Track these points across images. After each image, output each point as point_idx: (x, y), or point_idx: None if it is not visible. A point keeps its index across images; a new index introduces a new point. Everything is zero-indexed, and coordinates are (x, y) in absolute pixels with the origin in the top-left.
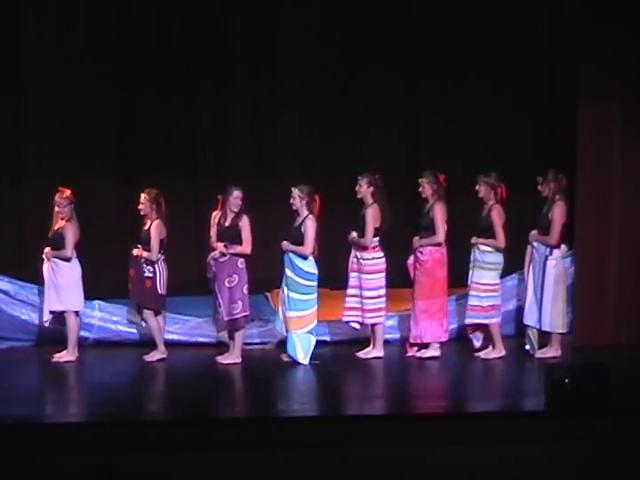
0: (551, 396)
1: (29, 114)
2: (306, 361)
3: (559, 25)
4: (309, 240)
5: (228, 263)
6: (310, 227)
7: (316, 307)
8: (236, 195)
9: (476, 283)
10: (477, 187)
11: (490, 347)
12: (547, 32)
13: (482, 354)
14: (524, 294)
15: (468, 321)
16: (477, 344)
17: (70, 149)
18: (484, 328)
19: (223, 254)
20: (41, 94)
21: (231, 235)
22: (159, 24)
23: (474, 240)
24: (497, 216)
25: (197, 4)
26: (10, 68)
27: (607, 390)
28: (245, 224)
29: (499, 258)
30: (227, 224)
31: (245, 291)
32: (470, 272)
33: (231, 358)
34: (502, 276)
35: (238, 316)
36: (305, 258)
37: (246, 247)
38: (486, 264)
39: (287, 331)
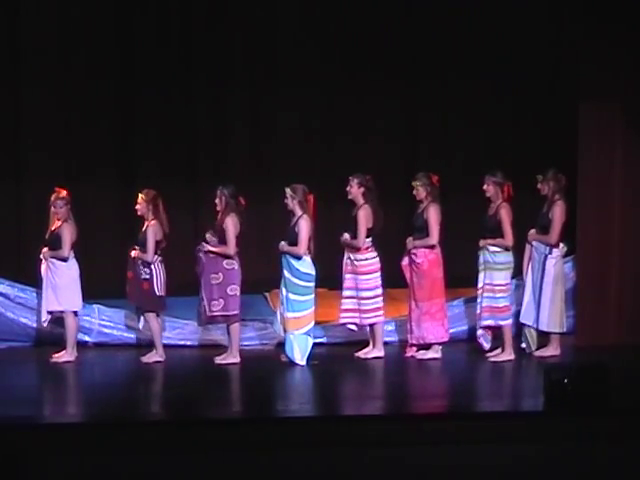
0: (550, 396)
1: (29, 115)
2: (303, 362)
3: (560, 24)
4: (302, 240)
5: (214, 260)
6: (303, 227)
7: (313, 308)
8: (218, 194)
9: (488, 284)
10: (485, 187)
11: (500, 349)
12: (549, 30)
13: (491, 356)
14: (522, 296)
15: (484, 324)
16: (487, 346)
17: (70, 151)
18: (495, 330)
19: (209, 249)
20: (41, 95)
21: (219, 234)
22: (158, 25)
23: (482, 243)
24: (506, 215)
25: (196, 5)
26: (10, 69)
27: (606, 390)
28: (228, 225)
29: (509, 257)
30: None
31: (230, 292)
32: (481, 275)
33: (229, 358)
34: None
35: (216, 314)
36: (299, 258)
37: (227, 248)
38: (497, 264)
39: (285, 332)
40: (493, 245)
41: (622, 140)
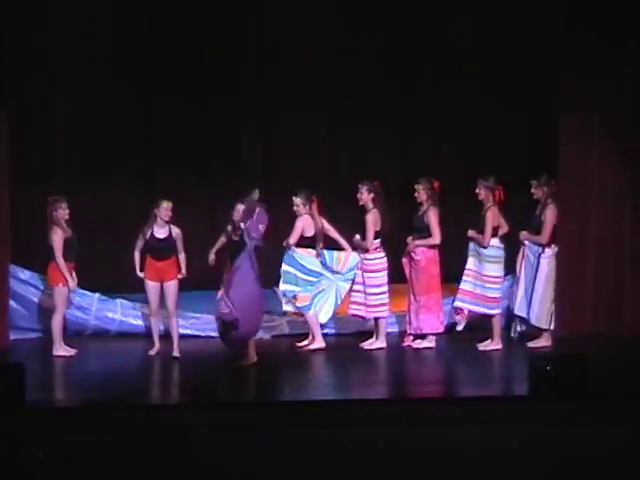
0: (534, 382)
1: (58, 124)
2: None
3: (546, 37)
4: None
5: None
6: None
7: (312, 294)
8: (238, 208)
9: (476, 271)
10: (477, 190)
11: (489, 339)
12: (540, 41)
13: (481, 346)
14: (515, 290)
15: (457, 304)
16: (459, 328)
17: (97, 154)
18: (471, 315)
19: None
20: (68, 103)
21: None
22: (175, 37)
23: (470, 233)
24: (490, 217)
25: (213, 15)
26: (42, 80)
27: (585, 377)
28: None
29: (500, 252)
30: None
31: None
32: (470, 259)
33: None
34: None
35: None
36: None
37: None
38: (488, 257)
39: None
40: (473, 239)
41: (598, 146)
